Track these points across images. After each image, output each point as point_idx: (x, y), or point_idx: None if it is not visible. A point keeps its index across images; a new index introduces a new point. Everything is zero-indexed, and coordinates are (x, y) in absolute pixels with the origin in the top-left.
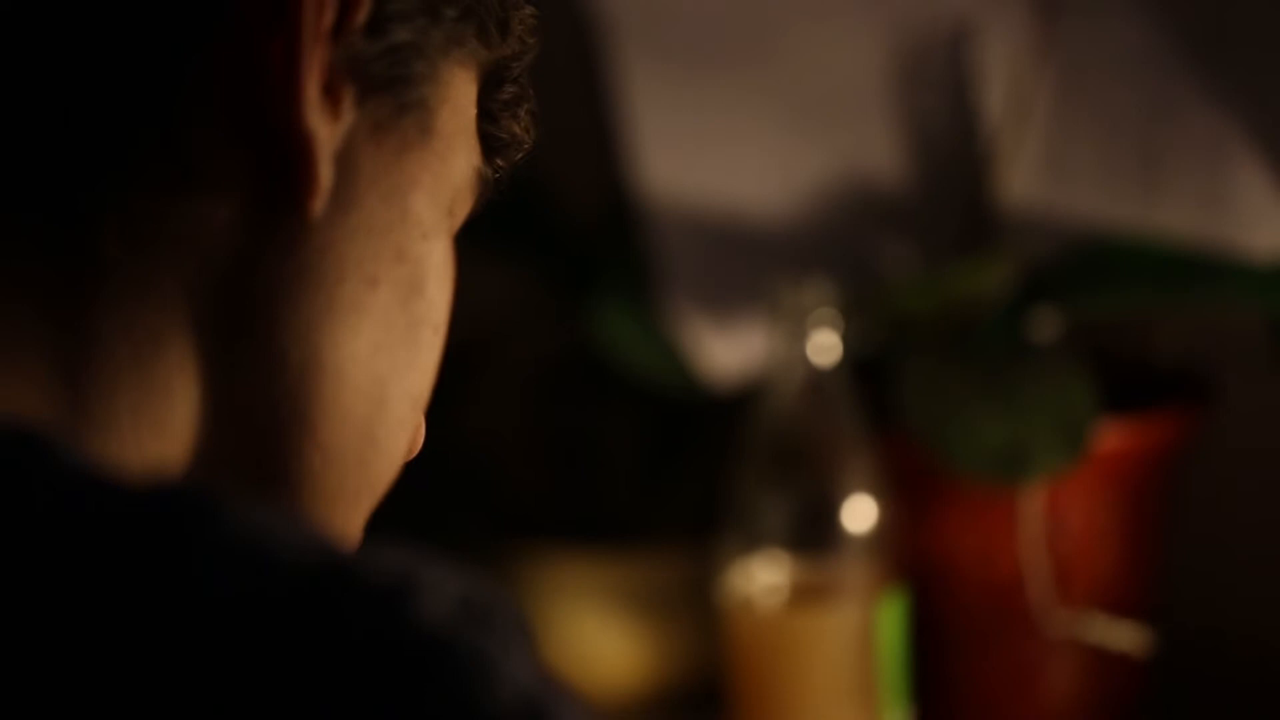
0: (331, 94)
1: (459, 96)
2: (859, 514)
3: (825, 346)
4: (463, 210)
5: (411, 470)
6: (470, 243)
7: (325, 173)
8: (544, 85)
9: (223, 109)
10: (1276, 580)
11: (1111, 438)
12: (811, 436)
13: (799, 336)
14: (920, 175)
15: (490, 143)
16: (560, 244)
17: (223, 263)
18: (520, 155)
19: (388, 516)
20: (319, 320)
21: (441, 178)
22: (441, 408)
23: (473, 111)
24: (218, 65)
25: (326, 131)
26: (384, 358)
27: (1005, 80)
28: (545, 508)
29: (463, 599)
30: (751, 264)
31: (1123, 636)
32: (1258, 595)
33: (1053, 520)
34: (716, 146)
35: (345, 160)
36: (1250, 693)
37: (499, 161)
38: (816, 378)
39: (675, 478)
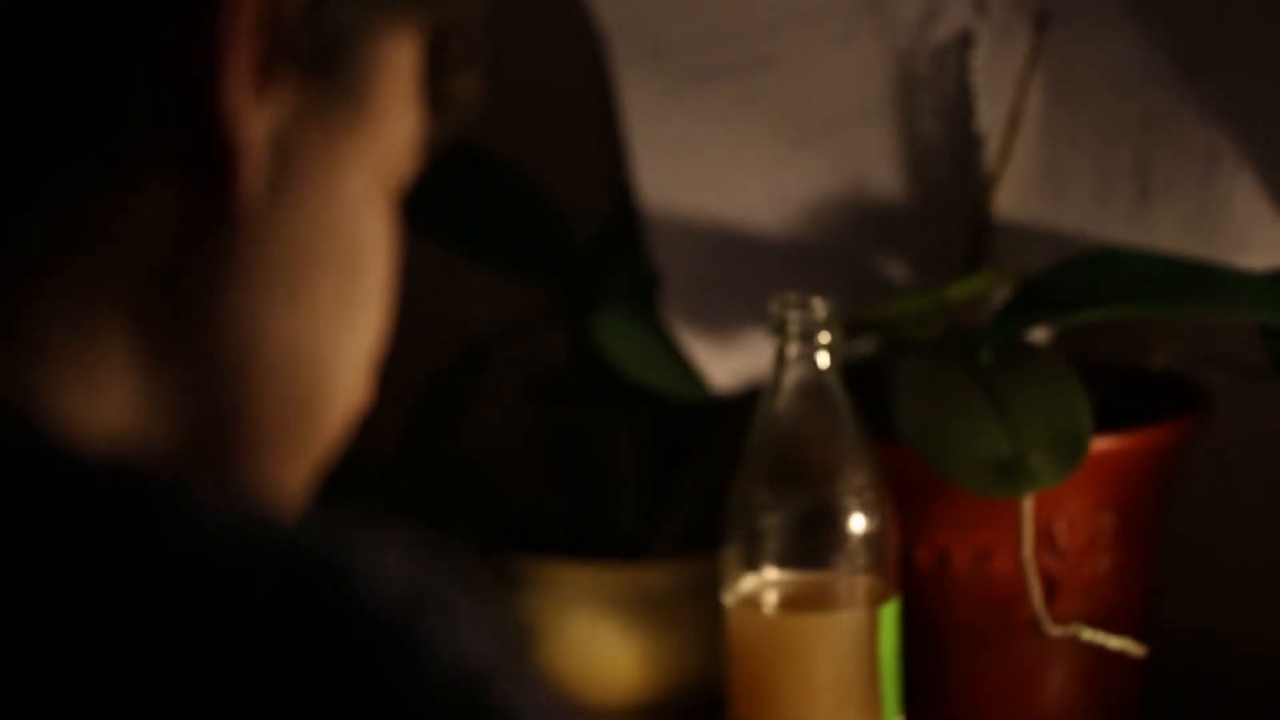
0: (266, 80)
1: (400, 64)
2: (859, 519)
3: (824, 356)
4: (405, 171)
5: (412, 478)
6: (471, 249)
7: (257, 163)
8: (548, 90)
9: (152, 103)
10: (1273, 584)
11: (1108, 444)
12: (812, 443)
13: (798, 346)
14: (918, 187)
15: (435, 101)
16: (562, 249)
17: (158, 251)
18: (466, 113)
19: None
20: (255, 302)
21: (382, 148)
22: (441, 415)
23: (415, 75)
24: (147, 58)
25: (259, 120)
26: (322, 329)
27: (1002, 92)
28: (546, 515)
29: (407, 577)
30: (749, 274)
31: (1121, 640)
32: (1255, 598)
33: (1050, 524)
34: (713, 158)
35: (282, 144)
36: (1249, 694)
37: (444, 120)
38: (816, 386)
39: (677, 484)
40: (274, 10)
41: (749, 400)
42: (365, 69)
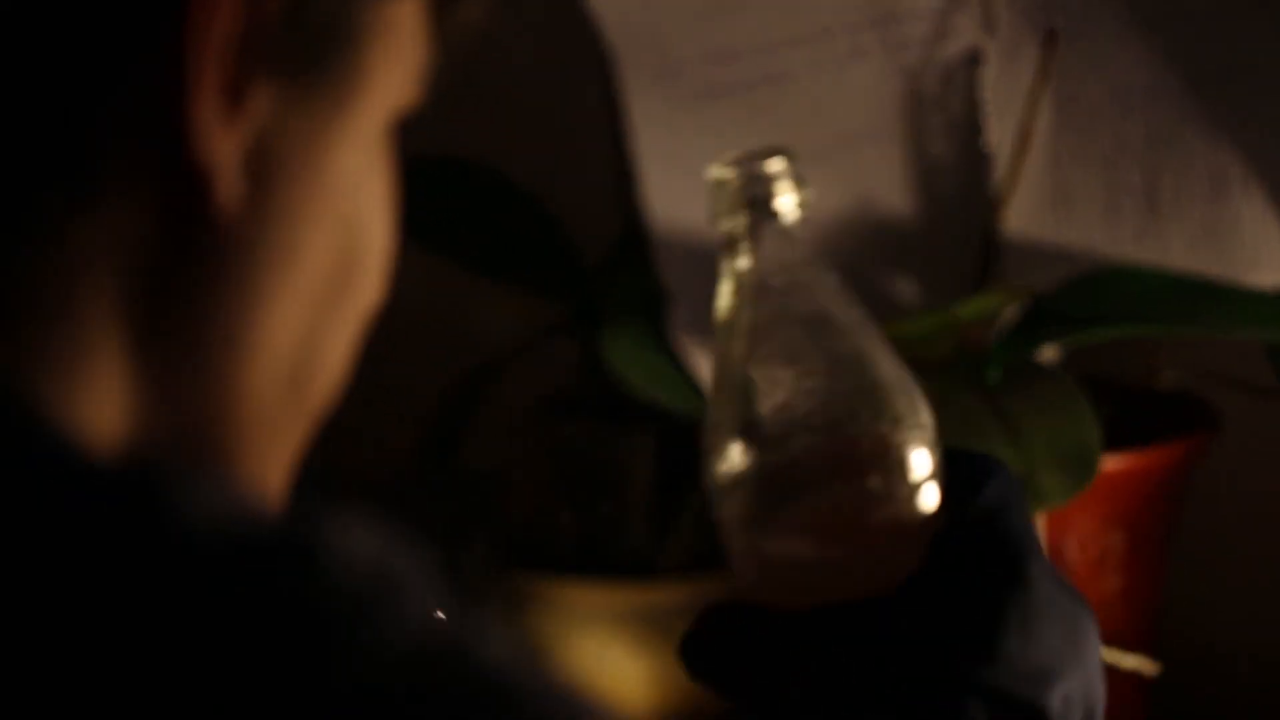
0: (240, 95)
1: (394, 23)
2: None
3: (793, 228)
4: (406, 105)
5: (421, 495)
6: (481, 266)
7: (232, 176)
8: (558, 107)
9: (124, 125)
10: (1276, 600)
11: (1117, 463)
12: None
13: (750, 237)
14: (926, 205)
15: (441, 30)
16: (572, 266)
17: (145, 261)
18: (469, 43)
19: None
20: (246, 300)
21: (375, 114)
22: (451, 432)
23: (411, 22)
24: (118, 83)
25: (234, 134)
26: (318, 314)
27: (1010, 110)
28: (554, 532)
29: (370, 559)
30: None
31: (1135, 658)
32: (1264, 615)
33: (1060, 543)
34: None
35: (264, 148)
36: (1257, 710)
37: (446, 57)
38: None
39: (685, 501)
40: (248, 23)
41: None
42: (358, 44)
